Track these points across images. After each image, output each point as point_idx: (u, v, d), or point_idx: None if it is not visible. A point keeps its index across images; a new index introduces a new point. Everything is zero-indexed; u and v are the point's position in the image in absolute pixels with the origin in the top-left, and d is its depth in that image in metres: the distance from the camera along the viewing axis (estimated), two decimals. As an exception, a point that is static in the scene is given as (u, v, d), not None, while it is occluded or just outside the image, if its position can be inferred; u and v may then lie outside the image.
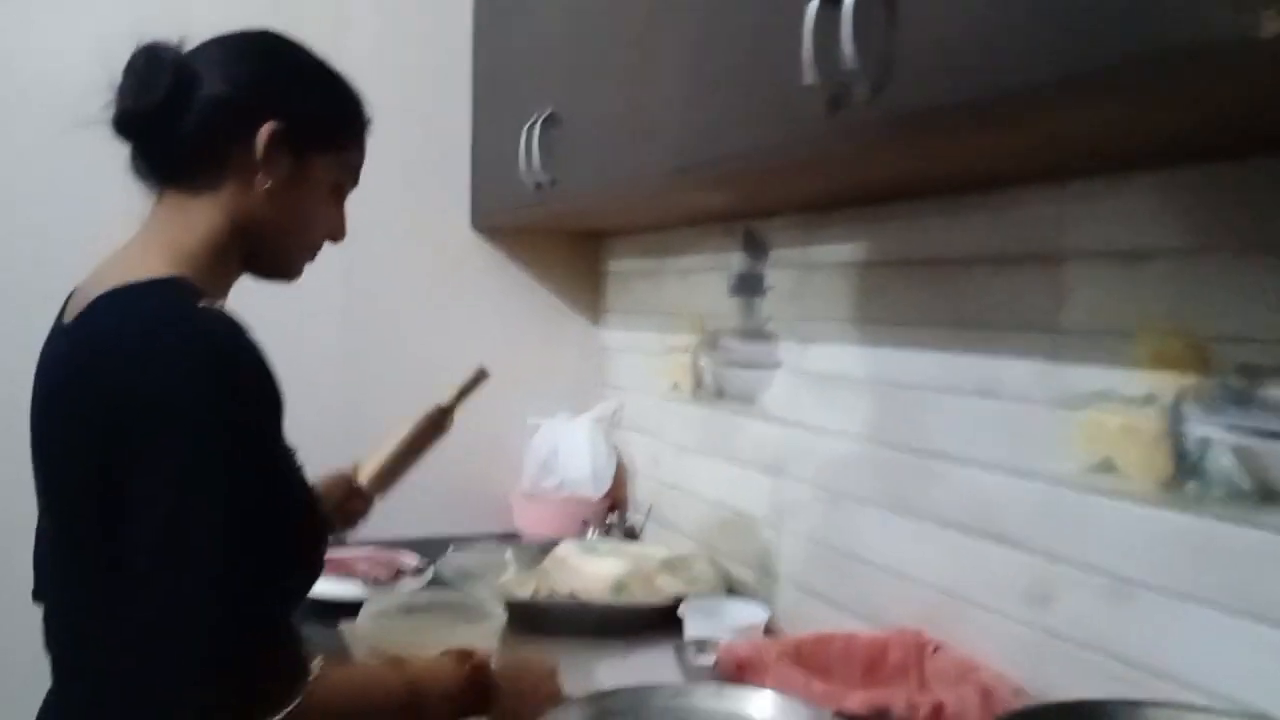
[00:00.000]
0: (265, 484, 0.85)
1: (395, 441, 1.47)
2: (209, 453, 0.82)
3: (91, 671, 0.90)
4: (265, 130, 0.96)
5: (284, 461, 0.92)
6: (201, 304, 0.88)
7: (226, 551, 0.80)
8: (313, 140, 1.01)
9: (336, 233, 1.09)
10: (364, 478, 1.45)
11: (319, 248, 1.09)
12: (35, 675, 0.96)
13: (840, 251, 1.49)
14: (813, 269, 1.55)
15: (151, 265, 0.93)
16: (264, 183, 0.98)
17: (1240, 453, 0.92)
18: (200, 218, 0.97)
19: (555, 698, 1.06)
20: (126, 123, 0.97)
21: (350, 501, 1.43)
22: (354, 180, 1.09)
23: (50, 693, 0.97)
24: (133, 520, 0.82)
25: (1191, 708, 0.55)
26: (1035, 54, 0.73)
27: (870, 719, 1.05)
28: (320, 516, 1.05)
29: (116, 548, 0.83)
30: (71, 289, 1.01)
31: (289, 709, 0.81)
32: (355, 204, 1.11)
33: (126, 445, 0.82)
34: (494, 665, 1.03)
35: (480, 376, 1.52)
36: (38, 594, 0.98)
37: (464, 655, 1.02)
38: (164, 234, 0.97)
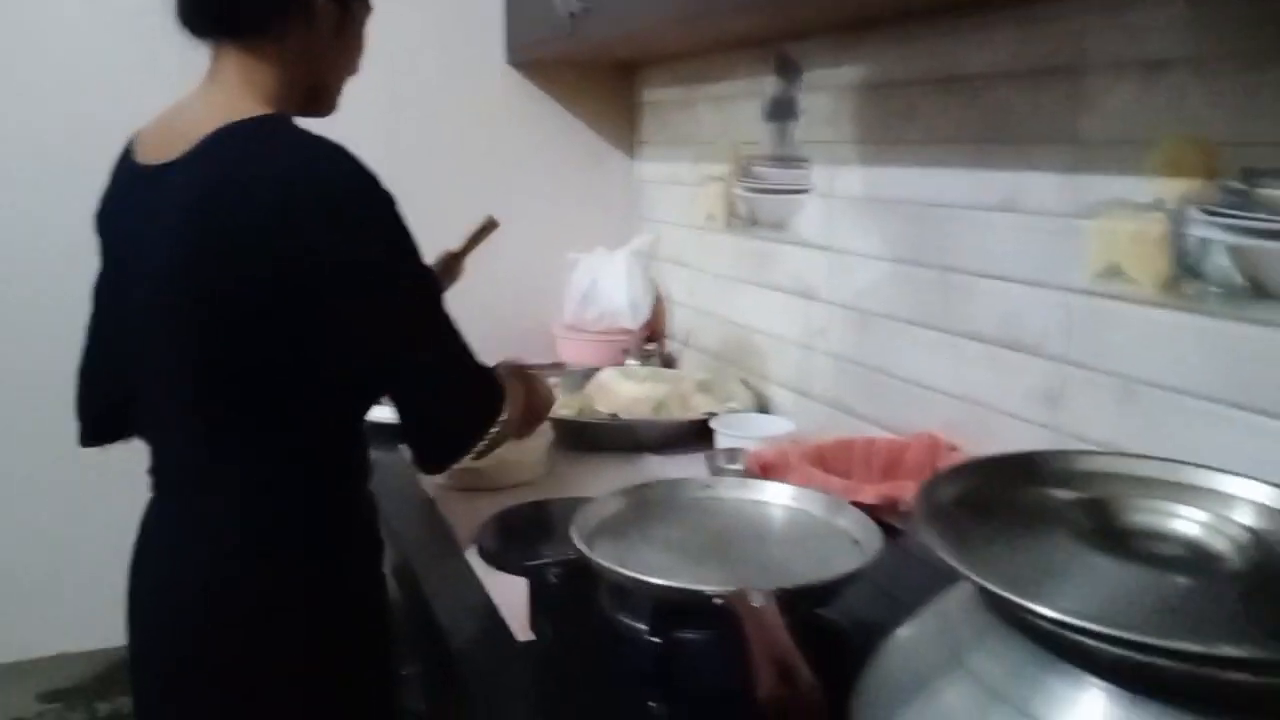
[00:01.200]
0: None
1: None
2: (409, 254, 1.01)
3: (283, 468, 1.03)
4: None
5: None
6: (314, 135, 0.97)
7: (449, 319, 1.05)
8: None
9: (357, 67, 1.15)
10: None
11: (344, 84, 1.15)
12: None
13: (872, 72, 1.50)
14: (844, 91, 1.56)
15: (249, 106, 0.99)
16: (324, 25, 1.05)
17: (1235, 252, 0.97)
18: (266, 64, 1.03)
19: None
20: None
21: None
22: (369, 16, 1.15)
23: (170, 504, 1.06)
24: (366, 329, 0.98)
25: (1131, 456, 0.62)
26: None
27: (882, 508, 1.15)
28: None
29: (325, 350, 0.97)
30: (130, 135, 1.07)
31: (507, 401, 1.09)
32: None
33: (338, 272, 0.95)
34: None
35: (489, 225, 1.57)
36: (104, 435, 1.14)
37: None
38: (240, 80, 1.02)
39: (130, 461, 1.13)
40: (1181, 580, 0.50)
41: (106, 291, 1.12)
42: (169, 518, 1.06)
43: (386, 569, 1.37)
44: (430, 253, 1.60)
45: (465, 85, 2.22)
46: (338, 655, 1.06)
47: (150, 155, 1.02)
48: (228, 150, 0.95)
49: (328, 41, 1.07)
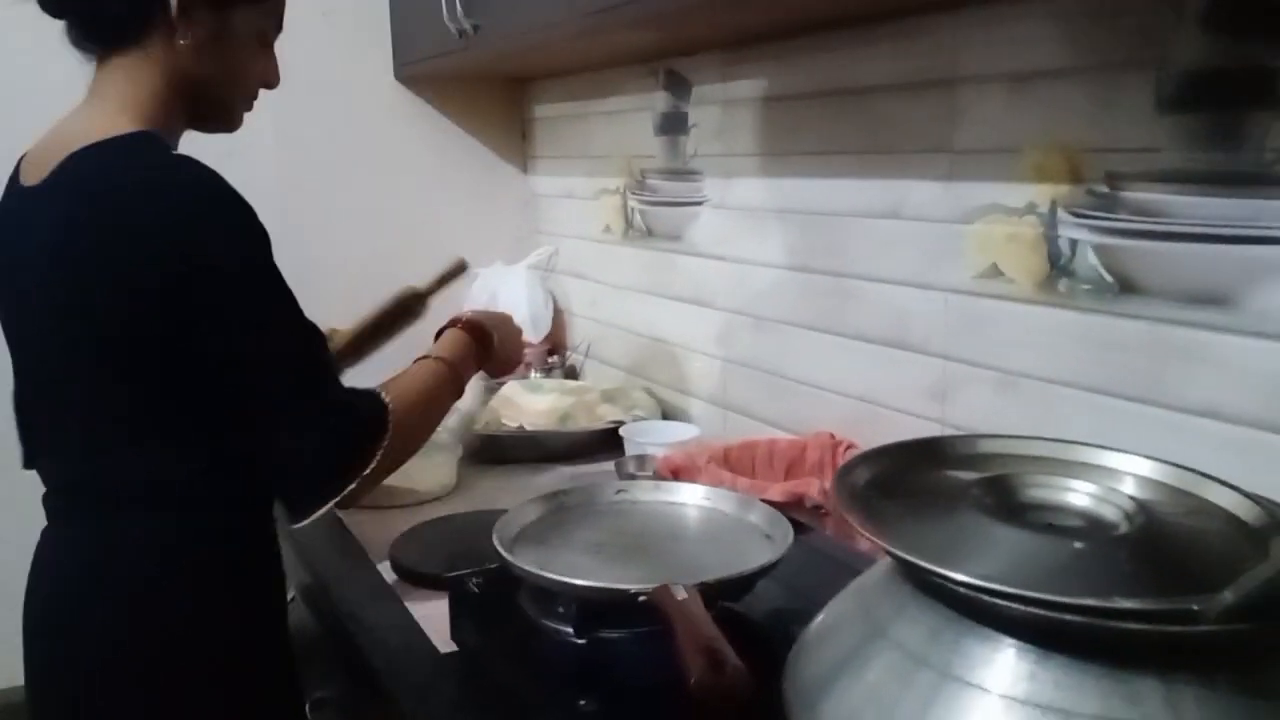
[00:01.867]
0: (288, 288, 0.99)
1: (367, 318, 1.53)
2: (258, 271, 0.96)
3: (157, 494, 0.99)
4: None
5: None
6: (175, 154, 0.96)
7: (305, 342, 0.99)
8: None
9: (270, 79, 1.12)
10: (333, 348, 1.50)
11: (254, 96, 1.12)
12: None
13: (759, 86, 1.56)
14: (733, 105, 1.62)
15: (117, 123, 0.97)
16: (185, 39, 1.01)
17: (1102, 251, 1.05)
18: (141, 77, 1.01)
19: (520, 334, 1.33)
20: None
21: None
22: (278, 26, 1.12)
23: (66, 531, 1.03)
24: (222, 337, 0.95)
25: (1025, 438, 0.68)
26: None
27: (789, 505, 1.20)
28: None
29: (190, 367, 0.95)
30: (19, 154, 1.04)
31: (389, 434, 0.99)
32: (279, 60, 1.14)
33: (185, 298, 0.92)
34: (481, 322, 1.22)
35: (460, 268, 1.57)
36: (32, 459, 1.06)
37: (453, 320, 1.22)
38: (115, 95, 1.01)
39: (19, 488, 1.09)
40: (1078, 545, 0.55)
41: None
42: (62, 544, 1.03)
43: (294, 591, 1.36)
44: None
45: (354, 102, 2.20)
46: (242, 686, 1.03)
47: (30, 175, 1.01)
48: (82, 171, 0.95)
49: (206, 54, 1.03)
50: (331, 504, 0.97)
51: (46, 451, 1.05)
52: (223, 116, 1.10)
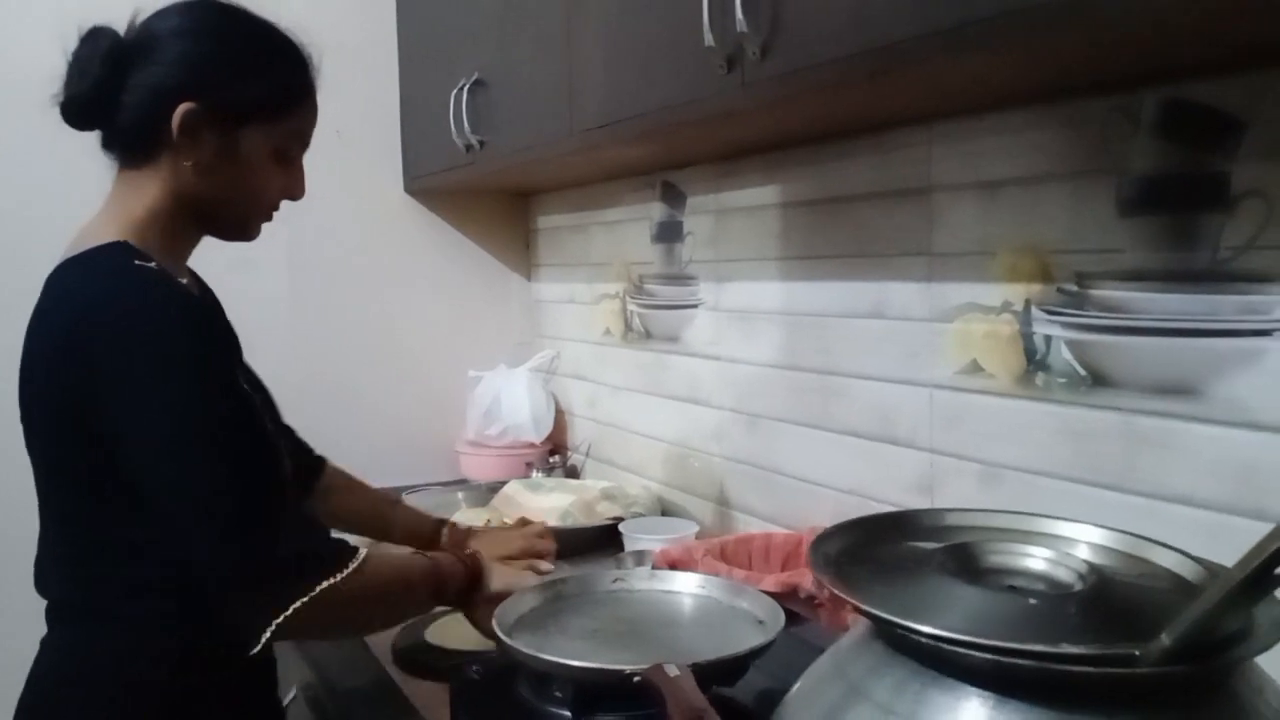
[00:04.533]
0: (228, 405, 0.98)
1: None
2: (172, 385, 0.94)
3: (113, 600, 1.01)
4: (178, 113, 1.01)
5: (241, 392, 1.02)
6: (137, 262, 0.98)
7: (221, 457, 0.94)
8: (237, 116, 1.04)
9: (291, 192, 1.13)
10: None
11: (273, 208, 1.14)
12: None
13: (749, 196, 1.65)
14: (726, 214, 1.71)
15: (103, 233, 1.03)
16: (189, 159, 1.03)
17: (1074, 346, 1.11)
18: (145, 191, 1.05)
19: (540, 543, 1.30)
20: (67, 109, 1.05)
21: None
22: (301, 143, 1.12)
23: (56, 635, 1.05)
24: (129, 457, 0.95)
25: (988, 511, 0.72)
26: (903, 13, 0.89)
27: (783, 595, 1.22)
28: (278, 446, 1.12)
29: (112, 485, 0.96)
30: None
31: (349, 569, 0.96)
32: (303, 170, 1.18)
33: (107, 396, 0.94)
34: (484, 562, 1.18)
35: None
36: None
37: (460, 548, 1.21)
38: (117, 206, 1.06)
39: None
40: (1033, 601, 0.59)
41: None
42: (46, 649, 1.06)
43: (295, 690, 1.37)
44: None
45: (365, 214, 2.30)
46: None
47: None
48: (56, 283, 1.01)
49: (212, 173, 1.04)
50: (266, 633, 0.92)
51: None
52: (236, 230, 1.13)
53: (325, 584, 0.94)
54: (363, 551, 1.00)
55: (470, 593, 1.14)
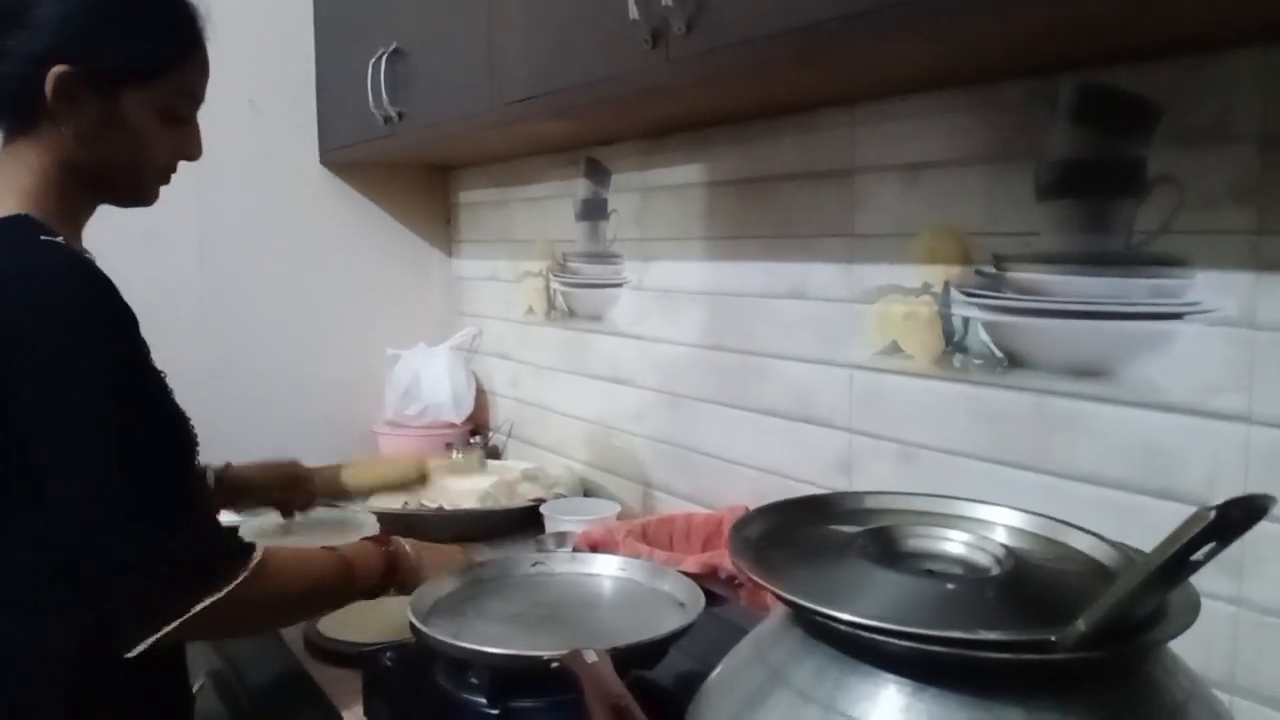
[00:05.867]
0: (141, 386, 0.94)
1: (383, 469, 1.63)
2: (82, 368, 0.90)
3: (13, 587, 0.95)
4: (50, 76, 0.96)
5: (151, 370, 0.98)
6: (43, 237, 0.94)
7: (128, 451, 0.90)
8: (114, 77, 1.00)
9: (187, 153, 1.09)
10: (347, 478, 1.52)
11: (170, 170, 1.09)
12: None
13: (674, 174, 1.63)
14: (651, 192, 1.69)
15: (2, 207, 0.97)
16: (69, 126, 0.99)
17: (991, 328, 1.12)
18: (33, 159, 1.00)
19: (457, 559, 1.22)
20: None
21: (297, 490, 1.48)
22: (190, 100, 1.08)
23: None
24: (40, 440, 0.90)
25: (908, 494, 0.73)
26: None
27: (704, 576, 1.22)
28: (188, 430, 1.07)
29: (16, 469, 0.91)
30: None
31: (240, 579, 0.92)
32: (203, 145, 1.13)
33: (11, 376, 0.89)
34: (407, 547, 1.16)
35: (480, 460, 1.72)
36: None
37: (381, 539, 1.17)
38: (6, 177, 1.01)
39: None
40: (951, 586, 0.59)
41: None
42: None
43: (203, 678, 1.33)
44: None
45: (279, 186, 2.23)
46: None
47: None
48: None
49: (95, 139, 1.00)
50: (158, 633, 0.89)
51: None
52: (131, 194, 1.08)
53: (209, 600, 0.90)
54: (257, 557, 0.96)
55: (388, 582, 1.12)
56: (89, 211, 1.08)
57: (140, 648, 0.90)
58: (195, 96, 1.09)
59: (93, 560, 0.90)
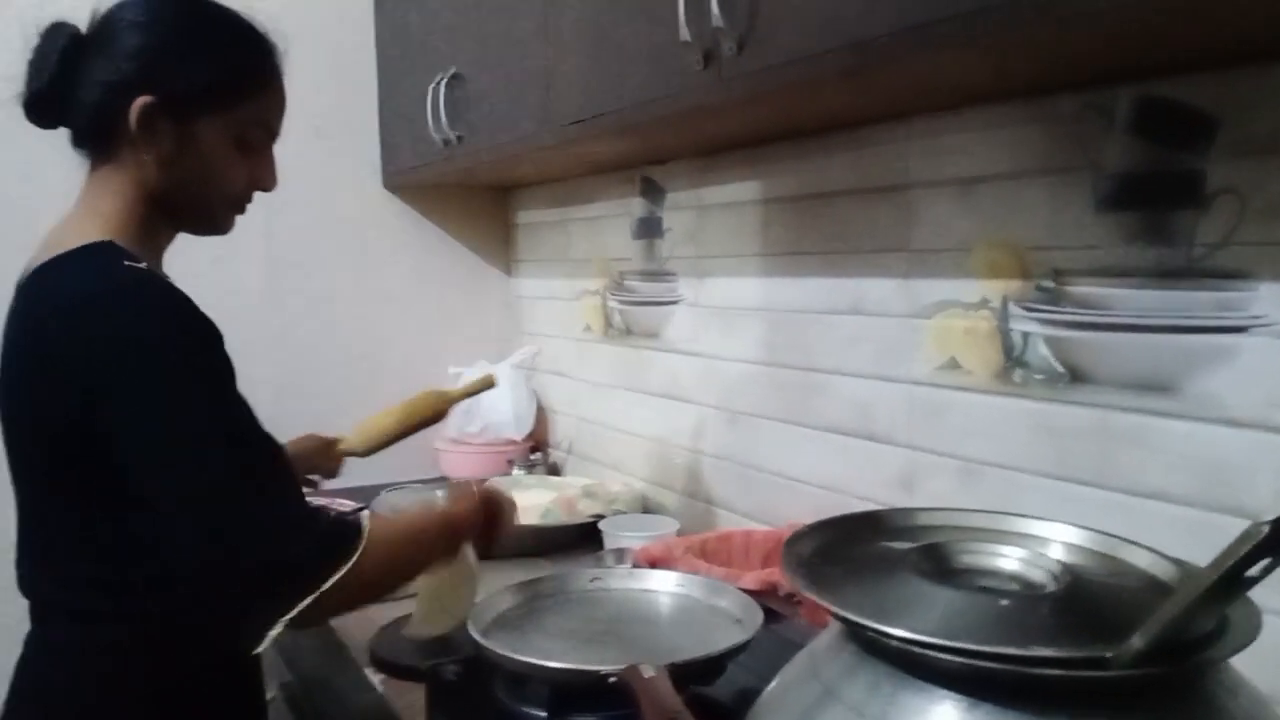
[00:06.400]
0: (232, 395, 0.96)
1: (396, 415, 1.54)
2: (173, 382, 0.93)
3: (97, 600, 0.99)
4: (135, 107, 0.99)
5: (233, 381, 1.00)
6: (126, 263, 0.97)
7: (232, 459, 0.93)
8: (192, 105, 1.02)
9: (261, 183, 1.11)
10: (356, 434, 1.51)
11: (244, 200, 1.12)
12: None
13: (729, 192, 1.64)
14: (706, 210, 1.70)
15: (84, 232, 1.01)
16: (150, 153, 1.01)
17: (1052, 342, 1.11)
18: (115, 186, 1.03)
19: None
20: (28, 106, 1.03)
21: (325, 458, 1.49)
22: (265, 132, 1.10)
23: (40, 634, 1.04)
24: (130, 459, 0.93)
25: (962, 510, 0.72)
26: (877, 9, 0.88)
27: (763, 593, 1.22)
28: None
29: (100, 486, 0.95)
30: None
31: (355, 558, 0.93)
32: (274, 160, 1.15)
33: (103, 397, 0.92)
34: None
35: (487, 383, 1.62)
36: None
37: (467, 485, 1.19)
38: (92, 203, 1.05)
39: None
40: (1005, 602, 0.59)
41: None
42: (30, 648, 1.04)
43: (274, 690, 1.36)
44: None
45: (344, 210, 2.29)
46: None
47: (25, 273, 1.05)
48: (39, 283, 0.99)
49: (173, 165, 1.03)
50: (279, 625, 0.90)
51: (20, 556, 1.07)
52: (205, 223, 1.11)
53: (329, 581, 0.91)
54: (364, 534, 0.96)
55: (488, 532, 1.15)
56: (169, 238, 1.11)
57: (265, 642, 0.91)
58: (271, 128, 1.11)
59: (201, 566, 0.92)
